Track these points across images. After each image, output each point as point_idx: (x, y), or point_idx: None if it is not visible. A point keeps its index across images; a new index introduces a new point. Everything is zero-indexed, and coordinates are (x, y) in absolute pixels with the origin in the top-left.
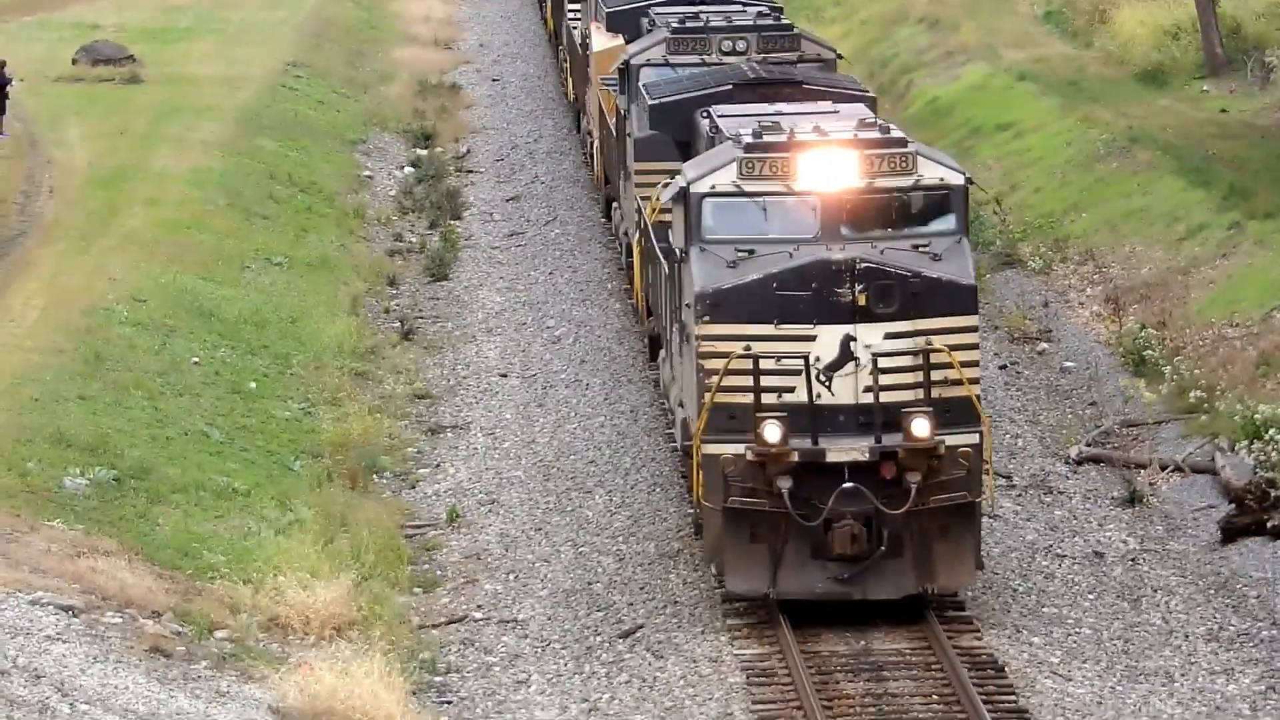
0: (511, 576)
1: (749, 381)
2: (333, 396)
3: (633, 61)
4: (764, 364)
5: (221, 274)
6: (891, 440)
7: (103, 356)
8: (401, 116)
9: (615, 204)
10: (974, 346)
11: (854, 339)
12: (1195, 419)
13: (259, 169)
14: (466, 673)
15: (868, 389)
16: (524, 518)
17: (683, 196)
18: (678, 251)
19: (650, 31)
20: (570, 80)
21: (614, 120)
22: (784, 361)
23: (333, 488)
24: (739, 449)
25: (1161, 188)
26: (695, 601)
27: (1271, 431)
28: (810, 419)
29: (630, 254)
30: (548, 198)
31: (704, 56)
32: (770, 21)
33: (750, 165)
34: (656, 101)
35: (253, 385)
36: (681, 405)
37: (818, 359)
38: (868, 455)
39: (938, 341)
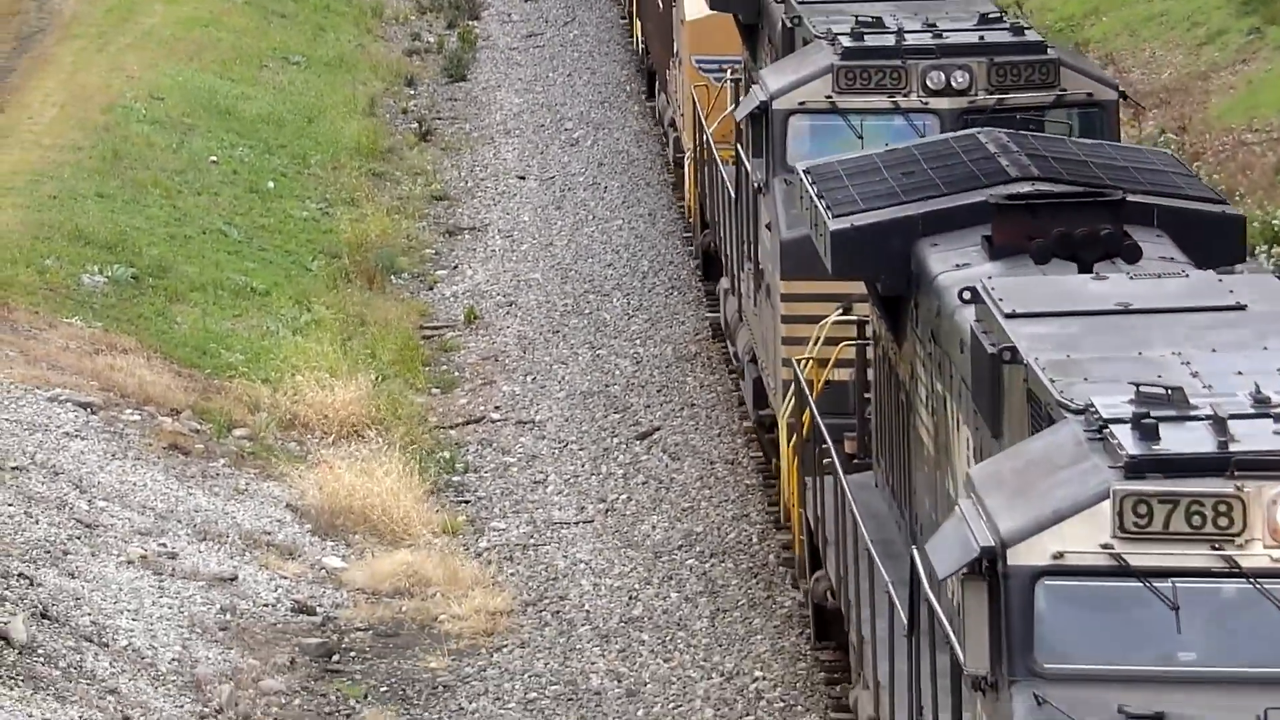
0: (529, 378)
1: None
2: (350, 197)
3: (776, 106)
4: None
5: (239, 72)
6: None
7: (120, 154)
8: None
9: (726, 280)
10: None
11: None
12: None
13: None
14: (484, 472)
15: None
16: (541, 320)
17: (983, 569)
18: (975, 680)
19: (790, 32)
20: (639, 25)
21: (727, 169)
22: None
23: (350, 288)
24: None
25: None
26: (712, 404)
27: None
28: None
29: (768, 424)
30: None
31: (897, 98)
32: (1007, 37)
33: (1144, 508)
34: (843, 225)
35: (270, 184)
36: None
37: None
38: None
39: None
